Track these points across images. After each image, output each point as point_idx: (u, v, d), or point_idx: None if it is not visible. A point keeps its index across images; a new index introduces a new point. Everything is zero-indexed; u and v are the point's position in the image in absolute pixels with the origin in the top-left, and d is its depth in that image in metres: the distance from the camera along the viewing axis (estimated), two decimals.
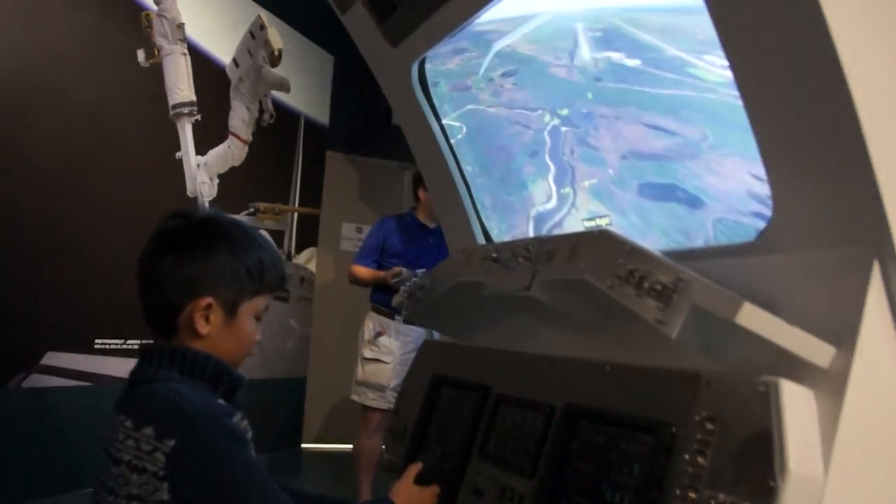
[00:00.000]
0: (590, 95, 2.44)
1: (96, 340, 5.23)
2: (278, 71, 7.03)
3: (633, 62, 2.24)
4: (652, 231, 2.21)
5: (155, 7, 5.72)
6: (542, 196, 2.74)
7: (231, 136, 6.54)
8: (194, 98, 5.98)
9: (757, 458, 1.35)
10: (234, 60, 6.61)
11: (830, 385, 1.38)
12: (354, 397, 5.86)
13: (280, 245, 7.22)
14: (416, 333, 5.62)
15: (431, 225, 5.83)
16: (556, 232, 2.60)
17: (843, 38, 1.35)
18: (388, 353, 5.74)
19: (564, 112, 2.55)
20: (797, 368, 1.40)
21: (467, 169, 2.96)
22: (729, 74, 1.63)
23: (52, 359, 4.93)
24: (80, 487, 4.54)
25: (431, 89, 2.93)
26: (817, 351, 1.39)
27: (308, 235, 7.76)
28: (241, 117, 6.64)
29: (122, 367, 5.26)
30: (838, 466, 1.34)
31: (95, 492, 1.78)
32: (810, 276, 1.52)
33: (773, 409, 1.36)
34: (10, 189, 4.59)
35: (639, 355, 1.77)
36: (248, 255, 1.86)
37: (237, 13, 6.67)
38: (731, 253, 1.77)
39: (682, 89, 2.05)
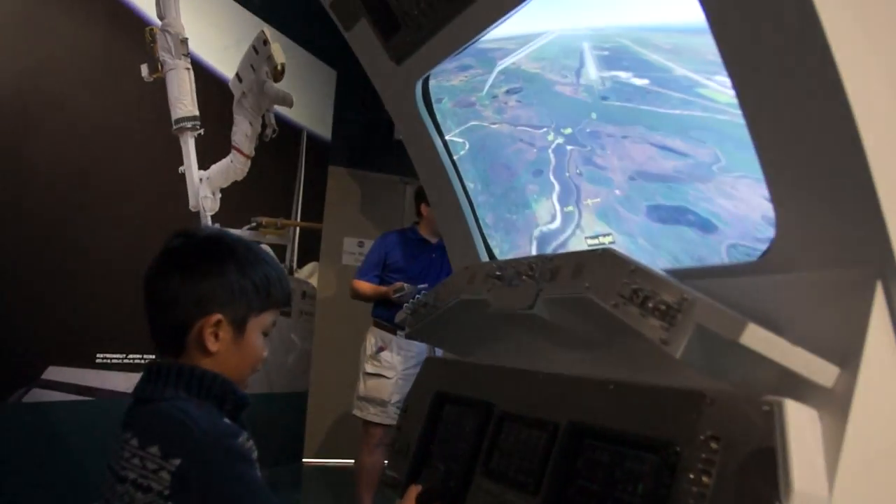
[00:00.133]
0: (595, 115, 2.42)
1: (97, 355, 5.23)
2: (281, 86, 7.05)
3: (641, 81, 2.23)
4: (661, 255, 2.18)
5: (159, 22, 5.74)
6: (545, 216, 2.72)
7: (234, 151, 6.55)
8: (197, 113, 5.99)
9: (761, 477, 1.36)
10: (238, 75, 6.62)
11: (834, 405, 1.38)
12: (356, 412, 5.86)
13: (282, 259, 7.23)
14: (418, 348, 5.63)
15: (433, 240, 5.85)
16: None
17: (845, 60, 1.36)
18: (389, 368, 5.74)
19: (570, 130, 2.54)
20: (801, 388, 1.40)
21: (469, 186, 2.96)
22: None
23: (54, 373, 4.93)
24: (82, 503, 4.54)
25: (435, 105, 2.93)
26: (821, 371, 1.39)
27: (310, 250, 7.77)
28: (243, 132, 6.65)
29: (123, 382, 5.27)
30: (843, 485, 1.34)
31: None
32: (814, 296, 1.52)
33: (777, 428, 1.36)
34: (12, 203, 4.60)
35: (642, 374, 1.78)
36: (255, 271, 1.87)
37: (240, 28, 6.68)
38: (735, 273, 1.77)
39: (692, 109, 2.04)
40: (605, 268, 1.79)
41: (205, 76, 6.17)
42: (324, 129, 7.98)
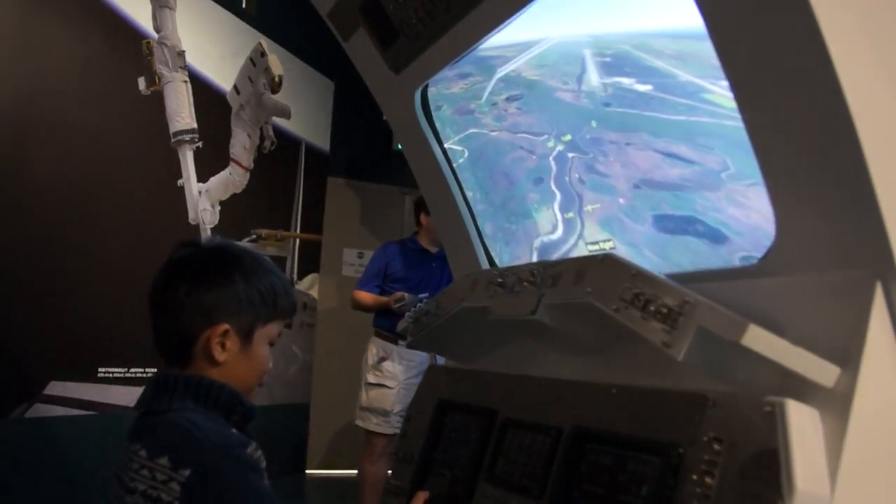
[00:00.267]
0: (596, 122, 2.40)
1: (99, 369, 5.23)
2: (279, 97, 7.06)
3: (644, 87, 2.19)
4: (670, 268, 2.11)
5: (156, 35, 5.75)
6: (546, 225, 2.71)
7: (232, 163, 6.56)
8: (195, 125, 6.00)
9: (764, 477, 1.37)
10: (235, 87, 6.63)
11: (835, 404, 1.39)
12: (358, 422, 5.86)
13: (282, 271, 7.22)
14: (420, 358, 5.63)
15: (433, 250, 5.86)
16: None
17: (844, 63, 1.37)
18: (391, 377, 5.74)
19: (571, 137, 2.51)
20: (802, 389, 1.41)
21: (468, 194, 2.97)
22: None
23: (56, 388, 4.93)
24: None
25: (434, 113, 2.94)
26: (822, 371, 1.40)
27: (310, 261, 7.78)
28: (242, 144, 6.66)
29: (125, 396, 5.27)
30: (845, 484, 1.35)
31: None
32: (814, 297, 1.53)
33: (779, 428, 1.37)
34: (13, 217, 4.60)
35: (645, 377, 1.78)
36: (261, 281, 1.86)
37: (237, 40, 6.70)
38: (735, 276, 1.78)
39: (698, 115, 2.00)
40: (607, 272, 1.80)
41: (202, 89, 6.19)
42: (322, 141, 7.99)
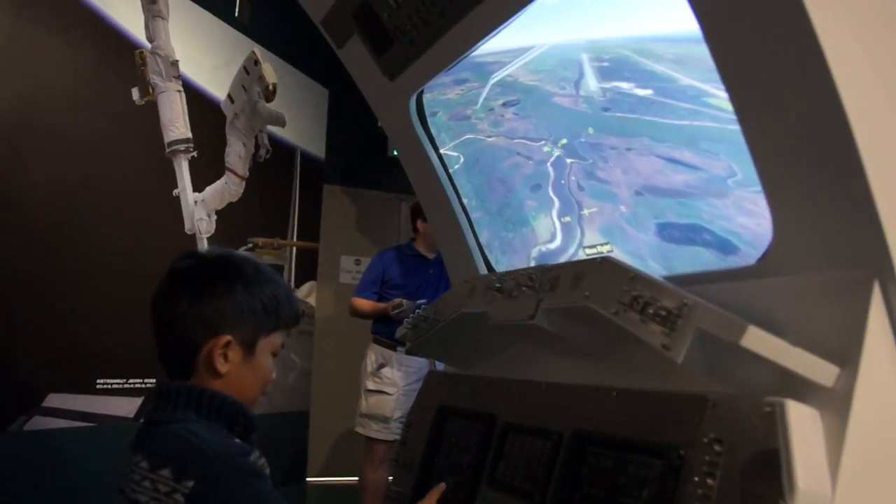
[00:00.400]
0: (595, 127, 2.37)
1: (98, 381, 5.22)
2: (273, 106, 7.05)
3: (644, 92, 2.16)
4: None
5: (149, 45, 5.74)
6: (545, 234, 2.69)
7: (228, 172, 6.55)
8: (190, 135, 5.99)
9: (765, 477, 1.37)
10: (229, 96, 6.62)
11: (835, 404, 1.40)
12: (358, 429, 5.86)
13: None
14: (419, 364, 5.63)
15: (430, 256, 5.87)
16: None
17: (839, 65, 1.37)
18: (391, 384, 5.74)
19: (569, 142, 2.48)
20: (802, 389, 1.42)
21: (464, 201, 2.96)
22: None
23: (55, 400, 4.91)
24: None
25: (430, 119, 2.94)
26: (821, 371, 1.40)
27: (307, 269, 7.76)
28: (237, 153, 6.65)
29: (124, 407, 5.26)
30: (845, 483, 1.35)
31: None
32: (812, 297, 1.53)
33: (779, 429, 1.37)
34: (8, 229, 4.59)
35: (644, 380, 1.79)
36: (264, 291, 1.86)
37: (231, 49, 6.69)
38: (733, 277, 1.78)
39: (701, 120, 1.97)
40: (605, 276, 1.80)
41: (196, 98, 6.17)
42: (317, 148, 7.98)
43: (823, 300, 1.51)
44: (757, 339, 1.41)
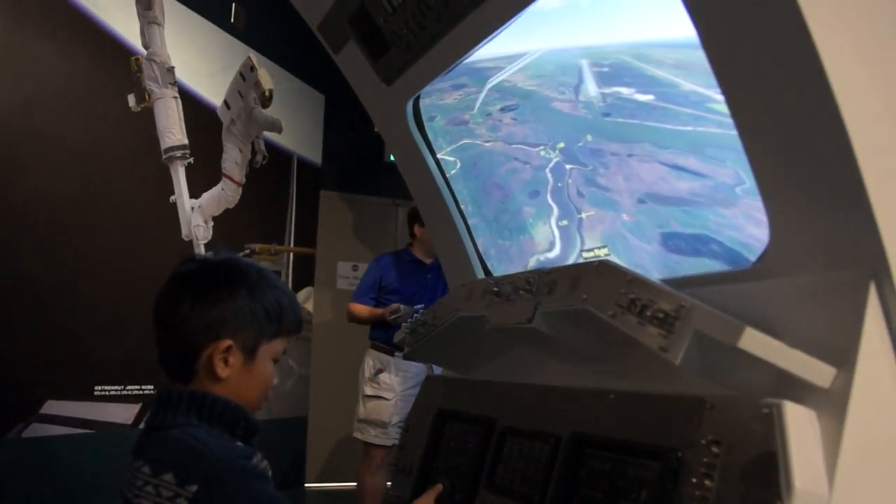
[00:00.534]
0: (595, 132, 2.34)
1: (95, 387, 5.22)
2: (269, 112, 7.05)
3: (645, 97, 2.13)
4: None
5: (144, 51, 5.74)
6: (543, 242, 2.67)
7: (224, 179, 6.54)
8: (186, 141, 5.98)
9: (763, 478, 1.37)
10: (226, 102, 6.62)
11: (832, 405, 1.40)
12: (357, 435, 5.87)
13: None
14: (417, 369, 5.64)
15: (428, 261, 5.88)
16: None
17: (835, 66, 1.38)
18: (388, 389, 5.75)
19: (568, 148, 2.46)
20: (799, 390, 1.42)
21: (461, 205, 2.96)
22: None
23: (52, 407, 4.91)
24: None
25: (427, 123, 2.94)
26: (818, 372, 1.41)
27: (304, 275, 7.76)
28: (233, 159, 6.64)
29: (122, 414, 5.26)
30: (842, 483, 1.36)
31: None
32: (809, 299, 1.54)
33: (777, 430, 1.38)
34: (5, 237, 4.59)
35: (642, 382, 1.79)
36: (267, 297, 1.85)
37: (227, 55, 6.69)
38: (730, 279, 1.79)
39: (705, 126, 1.93)
40: (602, 279, 1.80)
41: (192, 104, 6.17)
42: (314, 154, 7.98)
43: (820, 302, 1.52)
44: (754, 341, 1.41)
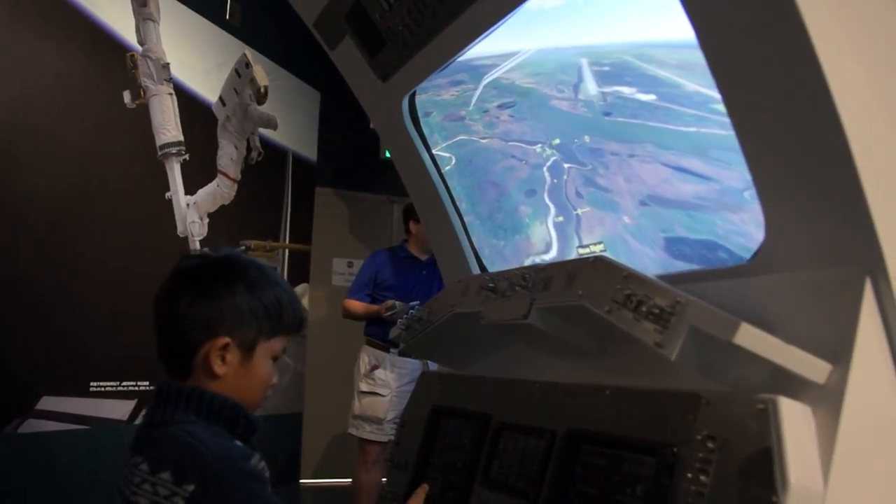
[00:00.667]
0: (595, 131, 2.31)
1: (91, 383, 5.21)
2: (265, 108, 7.04)
3: (647, 97, 2.08)
4: None
5: (140, 48, 5.73)
6: (539, 243, 2.66)
7: (220, 175, 6.54)
8: (182, 138, 5.98)
9: (758, 474, 1.38)
10: (221, 99, 6.61)
11: (827, 401, 1.41)
12: (352, 431, 5.88)
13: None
14: (412, 365, 5.64)
15: (423, 257, 5.88)
16: None
17: (831, 63, 1.38)
18: (384, 385, 5.75)
19: (566, 145, 2.43)
20: (794, 386, 1.43)
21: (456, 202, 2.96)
22: None
23: (48, 403, 4.91)
24: None
25: (423, 119, 2.94)
26: (814, 368, 1.41)
27: (300, 272, 7.75)
28: (229, 156, 6.63)
29: (117, 410, 5.25)
30: (837, 479, 1.36)
31: None
32: (804, 295, 1.54)
33: (772, 425, 1.38)
34: (0, 233, 4.59)
35: (638, 378, 1.80)
36: (267, 294, 1.84)
37: (222, 52, 6.68)
38: (726, 275, 1.79)
39: (709, 127, 1.90)
40: (598, 275, 1.80)
41: (188, 101, 6.17)
42: (309, 151, 7.97)
43: (815, 298, 1.52)
44: (750, 337, 1.41)
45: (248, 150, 6.90)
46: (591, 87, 2.27)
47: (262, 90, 6.89)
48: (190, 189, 6.12)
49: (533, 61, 2.50)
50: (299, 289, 7.72)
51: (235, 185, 6.65)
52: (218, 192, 6.50)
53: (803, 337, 1.45)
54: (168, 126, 5.91)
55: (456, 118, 2.88)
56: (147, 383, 5.26)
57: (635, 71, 2.12)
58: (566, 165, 2.43)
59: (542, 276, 2.04)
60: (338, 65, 2.99)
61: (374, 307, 5.82)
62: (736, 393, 1.51)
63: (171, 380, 1.82)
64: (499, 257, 2.85)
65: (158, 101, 5.85)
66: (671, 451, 1.56)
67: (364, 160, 8.85)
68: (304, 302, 7.75)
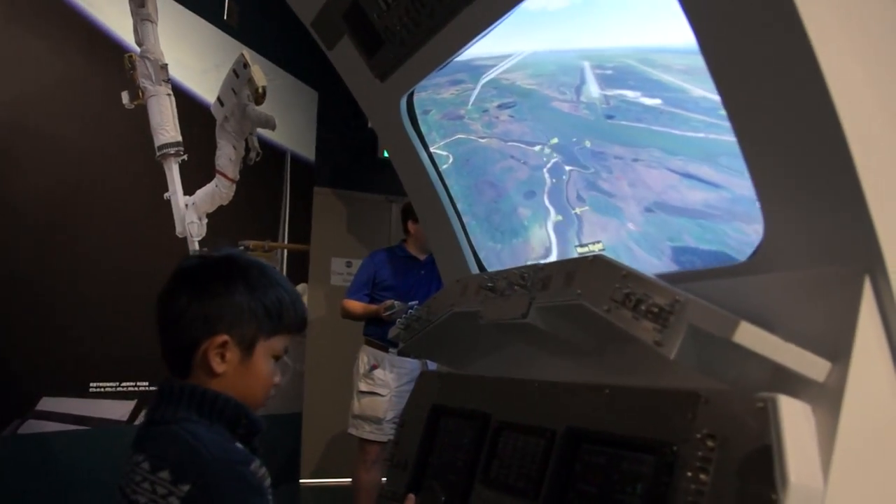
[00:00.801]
0: (598, 134, 2.28)
1: (91, 384, 5.21)
2: (263, 108, 7.03)
3: (652, 101, 2.04)
4: None
5: (138, 49, 5.73)
6: (538, 247, 2.65)
7: (218, 175, 6.53)
8: (180, 138, 5.96)
9: (758, 472, 1.38)
10: (219, 99, 6.60)
11: (827, 399, 1.41)
12: (351, 431, 5.87)
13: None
14: (411, 365, 5.63)
15: (421, 257, 5.88)
16: None
17: (829, 63, 1.38)
18: (383, 385, 5.74)
19: (565, 146, 2.41)
20: (794, 384, 1.43)
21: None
22: None
23: (48, 404, 4.90)
24: None
25: (422, 117, 2.93)
26: (813, 366, 1.42)
27: (298, 272, 7.74)
28: (227, 156, 6.62)
29: (117, 410, 5.25)
30: (837, 477, 1.36)
31: None
32: (804, 293, 1.54)
33: (772, 424, 1.38)
34: None
35: (637, 377, 1.80)
36: (267, 294, 1.85)
37: (220, 52, 6.66)
38: (725, 274, 1.79)
39: (718, 133, 1.82)
40: (597, 274, 1.81)
41: (186, 101, 6.16)
42: (307, 151, 7.96)
43: (815, 296, 1.52)
44: (749, 335, 1.42)
45: (247, 150, 6.89)
46: (593, 89, 2.25)
47: (261, 90, 6.88)
48: (188, 189, 6.11)
49: (534, 62, 2.48)
50: (298, 289, 7.67)
51: (234, 186, 6.64)
52: (216, 192, 6.49)
53: (803, 335, 1.45)
54: (166, 126, 5.90)
55: (455, 117, 2.87)
56: (147, 384, 5.26)
57: (639, 75, 2.09)
58: (567, 167, 2.41)
59: (541, 275, 2.04)
60: (336, 65, 2.99)
61: (373, 307, 5.82)
62: (735, 391, 1.51)
63: (173, 378, 1.82)
64: (496, 261, 2.84)
65: (157, 102, 5.84)
66: (671, 450, 1.56)
67: (362, 160, 8.85)
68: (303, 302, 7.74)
